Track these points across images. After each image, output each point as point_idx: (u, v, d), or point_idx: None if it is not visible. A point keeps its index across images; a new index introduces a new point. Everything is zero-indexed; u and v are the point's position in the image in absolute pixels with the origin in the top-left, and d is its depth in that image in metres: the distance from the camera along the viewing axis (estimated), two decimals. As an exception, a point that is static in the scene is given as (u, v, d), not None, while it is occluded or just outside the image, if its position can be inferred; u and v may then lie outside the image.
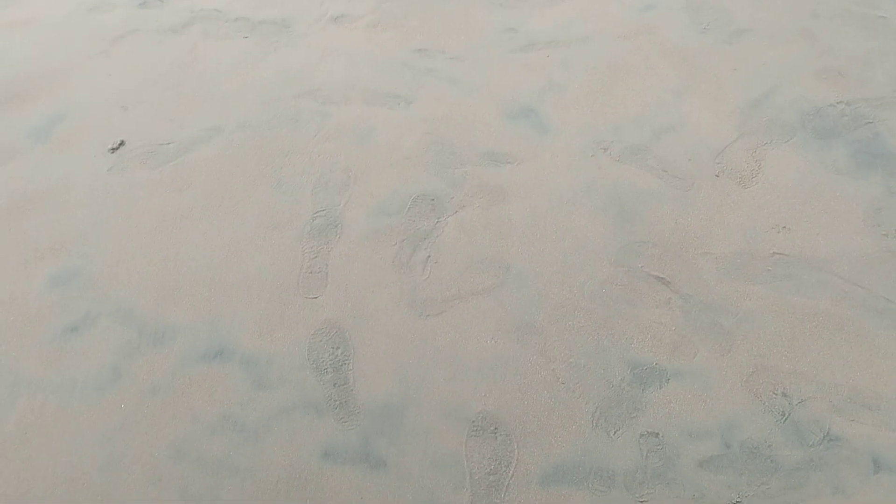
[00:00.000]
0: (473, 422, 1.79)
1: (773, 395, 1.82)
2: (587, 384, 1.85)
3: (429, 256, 2.09)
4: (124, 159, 2.34)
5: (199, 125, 2.44)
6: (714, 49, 2.66)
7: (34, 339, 1.94)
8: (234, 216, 2.19)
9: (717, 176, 2.28)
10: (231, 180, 2.28)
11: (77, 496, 1.69)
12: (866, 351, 1.89)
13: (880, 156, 2.32)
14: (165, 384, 1.86)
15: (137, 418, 1.80)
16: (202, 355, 1.90)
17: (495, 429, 1.78)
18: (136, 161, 2.34)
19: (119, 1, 2.85)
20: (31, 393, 1.85)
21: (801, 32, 2.72)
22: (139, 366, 1.89)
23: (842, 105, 2.47)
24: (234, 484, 1.70)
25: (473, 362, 1.88)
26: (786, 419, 1.78)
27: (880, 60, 2.62)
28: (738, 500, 1.68)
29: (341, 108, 2.49)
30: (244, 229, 2.15)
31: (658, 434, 1.77)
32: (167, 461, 1.73)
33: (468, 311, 1.97)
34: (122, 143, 2.38)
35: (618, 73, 2.60)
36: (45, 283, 2.05)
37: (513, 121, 2.45)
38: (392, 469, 1.73)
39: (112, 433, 1.78)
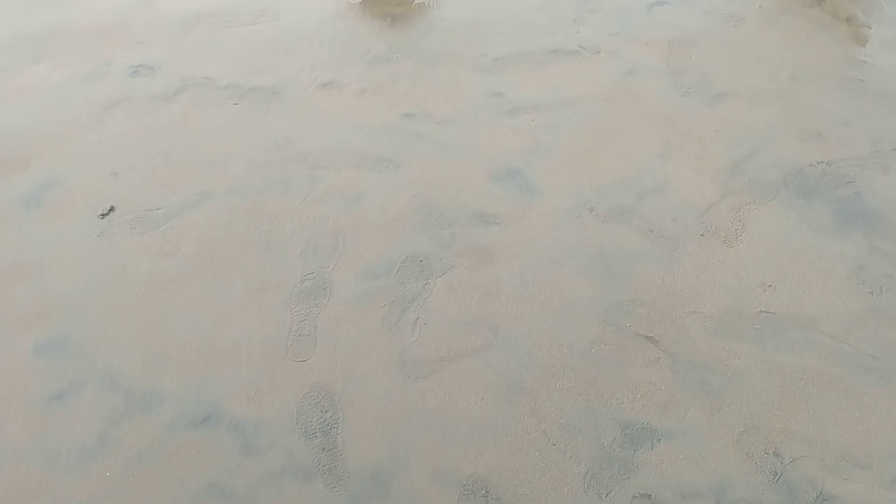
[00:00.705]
0: (464, 485, 1.80)
1: (765, 455, 1.84)
2: (578, 445, 1.87)
3: (418, 318, 2.12)
4: (114, 225, 2.39)
5: (189, 190, 2.49)
6: (696, 111, 2.76)
7: (19, 406, 1.95)
8: (223, 280, 2.22)
9: (703, 235, 2.34)
10: (220, 244, 2.33)
11: (60, 568, 1.68)
12: (856, 408, 1.92)
13: (862, 214, 2.39)
14: (152, 451, 1.86)
15: (123, 487, 1.80)
16: (189, 421, 1.91)
17: (486, 492, 1.79)
18: (126, 226, 2.38)
19: (112, 70, 2.93)
20: (14, 461, 1.85)
21: (780, 95, 2.82)
22: (125, 433, 1.89)
23: (823, 165, 2.55)
24: (220, 553, 1.70)
25: (463, 424, 1.90)
26: (778, 479, 1.80)
27: (859, 121, 2.72)
28: (733, 562, 1.69)
29: (330, 173, 2.56)
30: (233, 293, 2.19)
31: (651, 496, 1.78)
32: (153, 530, 1.73)
33: (458, 373, 2.00)
34: (111, 209, 2.43)
35: (602, 136, 2.69)
36: (32, 351, 2.07)
37: (500, 182, 2.52)
38: (382, 535, 1.73)
39: (97, 502, 1.78)
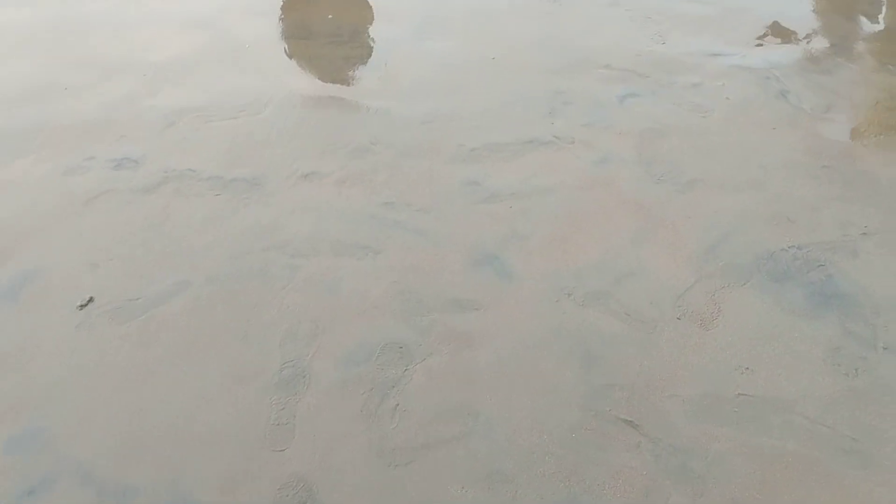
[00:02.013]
0: (444, 577, 1.78)
1: (748, 540, 1.84)
2: (560, 533, 1.86)
3: (397, 405, 2.14)
4: (92, 316, 2.41)
5: (168, 280, 2.53)
6: (668, 198, 2.86)
7: (-13, 503, 1.92)
8: (201, 370, 2.24)
9: (679, 319, 2.39)
10: (198, 334, 2.35)
11: None
12: (837, 492, 1.94)
13: (834, 297, 2.46)
14: (123, 547, 1.84)
15: (92, 585, 1.77)
16: (163, 515, 1.89)
17: (467, 584, 1.77)
18: (104, 317, 2.40)
19: (94, 164, 3.01)
20: (-20, 561, 1.82)
21: (750, 182, 2.94)
22: (97, 528, 1.87)
23: (793, 249, 2.64)
24: None
25: (443, 514, 1.89)
26: (762, 564, 1.80)
27: (827, 206, 2.83)
28: None
29: (310, 261, 2.61)
30: (210, 383, 2.20)
31: (634, 584, 1.77)
32: None
33: (438, 460, 2.00)
34: (90, 300, 2.46)
35: (578, 223, 2.77)
36: (4, 446, 2.05)
37: (478, 269, 2.58)
38: None
39: None
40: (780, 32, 3.93)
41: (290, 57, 3.72)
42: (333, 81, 3.55)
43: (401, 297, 2.47)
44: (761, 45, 3.78)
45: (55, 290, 2.50)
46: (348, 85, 3.51)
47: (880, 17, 4.09)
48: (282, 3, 4.19)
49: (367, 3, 4.17)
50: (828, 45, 3.80)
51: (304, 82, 3.51)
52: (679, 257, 2.61)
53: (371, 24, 3.99)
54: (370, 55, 3.73)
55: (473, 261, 2.61)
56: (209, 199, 2.86)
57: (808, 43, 3.84)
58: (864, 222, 2.74)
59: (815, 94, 3.40)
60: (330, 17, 4.12)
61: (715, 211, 2.80)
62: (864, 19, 4.05)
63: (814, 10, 4.12)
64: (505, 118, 3.29)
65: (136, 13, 4.00)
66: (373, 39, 3.84)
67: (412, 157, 3.09)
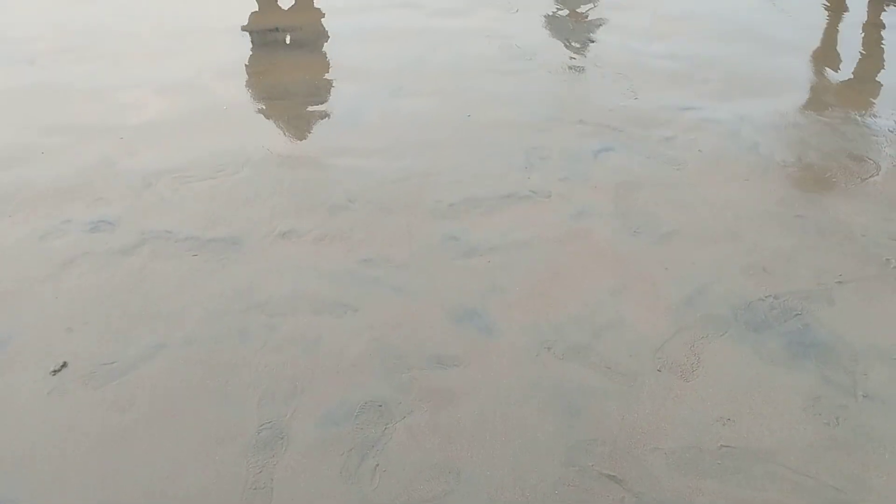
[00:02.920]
0: None
1: None
2: None
3: (377, 465, 2.12)
4: (65, 381, 2.39)
5: (144, 343, 2.52)
6: (645, 250, 2.91)
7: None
8: (177, 433, 2.21)
9: (659, 371, 2.41)
10: (175, 397, 2.33)
11: None
12: (823, 542, 1.93)
13: (812, 346, 2.50)
14: None
15: None
16: (137, 586, 1.85)
17: None
18: (78, 382, 2.38)
19: (70, 227, 3.01)
20: None
21: (725, 233, 3.00)
22: None
23: (770, 299, 2.68)
24: None
25: (426, 577, 1.87)
26: None
27: (802, 256, 2.88)
28: None
29: (288, 320, 2.61)
30: (187, 446, 2.17)
31: None
32: None
33: (419, 522, 1.98)
34: (64, 365, 2.44)
35: (556, 276, 2.80)
36: (-28, 516, 2.01)
37: (458, 324, 2.59)
38: None
39: None
40: (748, 85, 4.04)
41: (267, 117, 3.78)
42: (310, 140, 3.60)
43: (380, 355, 2.47)
44: (730, 98, 3.88)
45: (28, 355, 2.48)
46: (325, 143, 3.56)
47: (844, 68, 4.23)
48: (257, 65, 4.26)
49: (342, 62, 4.26)
50: (796, 97, 3.91)
51: (281, 142, 3.56)
52: (657, 309, 2.64)
53: (346, 83, 4.06)
54: (347, 114, 3.79)
55: (453, 316, 2.62)
56: (186, 260, 2.86)
57: (776, 95, 3.95)
58: (839, 270, 2.79)
59: (785, 146, 3.49)
60: (307, 77, 4.20)
61: (692, 262, 2.85)
62: (830, 71, 4.18)
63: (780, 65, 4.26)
64: (482, 173, 3.35)
65: (113, 77, 4.05)
66: (349, 98, 3.91)
67: (390, 214, 3.12)
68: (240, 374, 2.40)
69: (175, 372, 2.41)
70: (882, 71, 4.25)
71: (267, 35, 4.58)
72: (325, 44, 4.49)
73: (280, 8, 4.90)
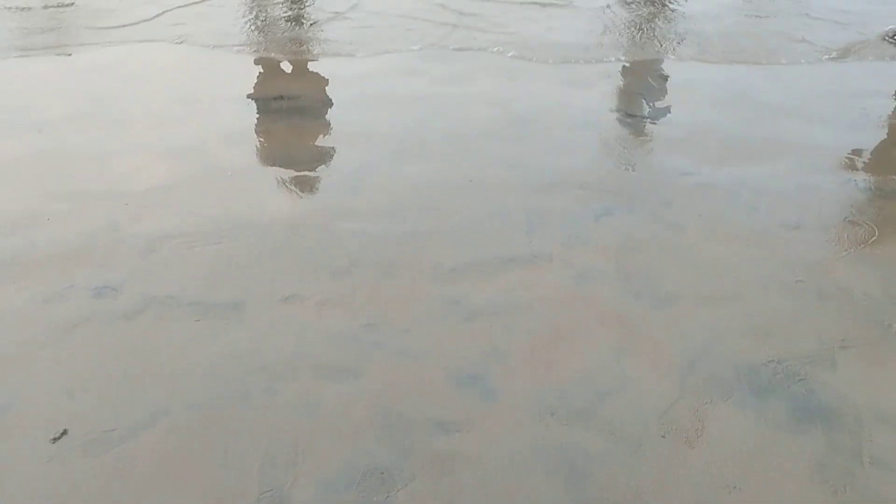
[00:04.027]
0: None
1: None
2: None
3: (379, 534, 2.11)
4: (65, 449, 2.38)
5: (146, 409, 2.52)
6: (647, 313, 2.93)
7: None
8: (177, 501, 2.20)
9: (664, 436, 2.40)
10: (175, 463, 2.32)
11: None
12: None
13: (817, 411, 2.50)
14: None
15: None
16: None
17: None
18: (78, 450, 2.38)
19: (74, 292, 3.04)
20: None
21: (726, 296, 3.02)
22: None
23: (773, 363, 2.69)
24: None
25: None
26: None
27: (804, 320, 2.90)
28: None
29: (290, 384, 2.62)
30: (187, 515, 2.16)
31: None
32: None
33: (422, 593, 1.96)
34: (64, 433, 2.44)
35: (559, 339, 2.81)
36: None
37: (460, 389, 2.59)
38: None
39: None
40: (745, 150, 4.12)
41: (271, 182, 3.84)
42: (314, 205, 3.65)
43: (382, 420, 2.47)
44: (728, 163, 3.95)
45: (28, 421, 2.48)
46: (328, 208, 3.61)
47: (841, 133, 4.30)
48: (261, 132, 4.35)
49: (345, 128, 4.34)
50: (793, 162, 3.98)
51: (284, 206, 3.61)
52: (661, 372, 2.64)
53: (350, 148, 4.13)
54: (350, 178, 3.85)
55: (455, 380, 2.62)
56: (189, 325, 2.88)
57: (773, 160, 4.02)
58: (842, 335, 2.80)
59: (784, 210, 3.54)
60: (310, 143, 4.28)
61: (694, 325, 2.86)
62: (826, 135, 4.26)
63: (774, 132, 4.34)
64: (483, 237, 3.39)
65: (118, 144, 4.13)
66: (352, 163, 3.98)
67: (392, 278, 3.15)
68: (241, 439, 2.40)
69: (176, 438, 2.41)
70: (880, 136, 4.33)
71: (271, 102, 4.68)
72: (329, 110, 4.60)
73: (284, 72, 5.02)
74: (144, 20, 5.84)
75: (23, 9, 6.21)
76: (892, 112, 4.54)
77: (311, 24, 5.75)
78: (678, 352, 2.73)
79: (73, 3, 6.19)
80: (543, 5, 6.25)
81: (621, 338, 2.80)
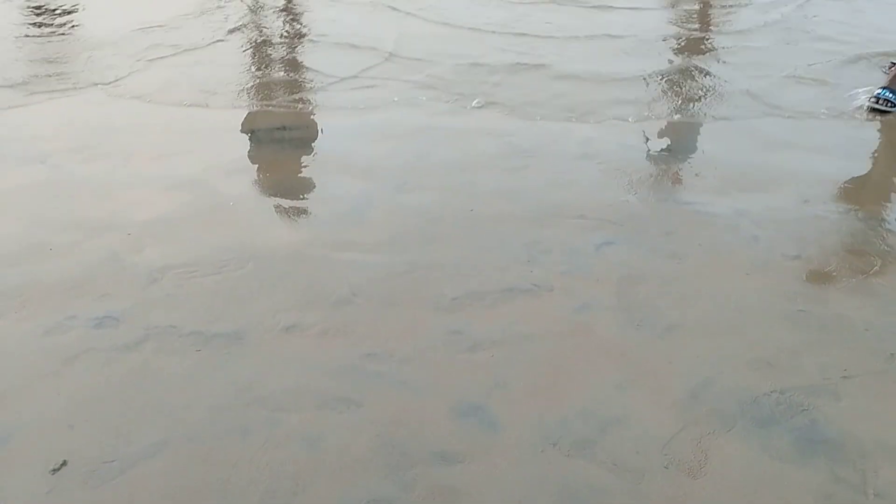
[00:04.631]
0: None
1: None
2: None
3: (380, 568, 2.09)
4: (65, 480, 2.37)
5: (146, 440, 2.51)
6: (649, 344, 2.93)
7: None
8: (177, 534, 2.19)
9: (667, 468, 2.39)
10: (175, 495, 2.31)
11: None
12: None
13: (820, 442, 2.49)
14: None
15: None
16: None
17: None
18: (78, 482, 2.37)
19: (75, 323, 3.04)
20: None
21: (728, 327, 3.02)
22: None
23: (776, 394, 2.68)
24: None
25: None
26: None
27: (806, 350, 2.90)
28: None
29: (291, 416, 2.61)
30: (186, 548, 2.14)
31: None
32: None
33: None
34: (64, 464, 2.43)
35: (561, 370, 2.81)
36: None
37: (462, 420, 2.59)
38: None
39: None
40: (744, 181, 4.14)
41: (273, 213, 3.86)
42: (314, 235, 3.67)
43: (384, 451, 2.46)
44: (727, 193, 3.97)
45: (28, 453, 2.47)
46: (329, 238, 3.63)
47: (841, 163, 4.33)
48: (263, 163, 4.38)
49: (346, 159, 4.38)
50: (792, 192, 4.00)
51: (285, 237, 3.63)
52: (663, 403, 2.64)
53: (351, 179, 4.16)
54: (351, 209, 3.87)
55: (457, 411, 2.62)
56: (189, 356, 2.88)
57: (773, 190, 4.04)
58: (844, 365, 2.80)
59: (785, 240, 3.55)
60: (312, 174, 4.31)
61: (696, 356, 2.86)
62: (825, 165, 4.28)
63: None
64: (484, 267, 3.40)
65: (120, 176, 4.16)
66: (353, 194, 4.00)
67: (393, 308, 3.16)
68: (241, 471, 2.39)
69: (176, 470, 2.40)
70: (880, 166, 4.36)
71: (273, 133, 4.72)
72: (330, 142, 4.63)
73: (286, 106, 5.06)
74: (149, 59, 5.89)
75: (36, 38, 6.27)
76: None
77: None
78: (680, 382, 2.73)
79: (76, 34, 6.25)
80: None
81: (623, 368, 2.80)
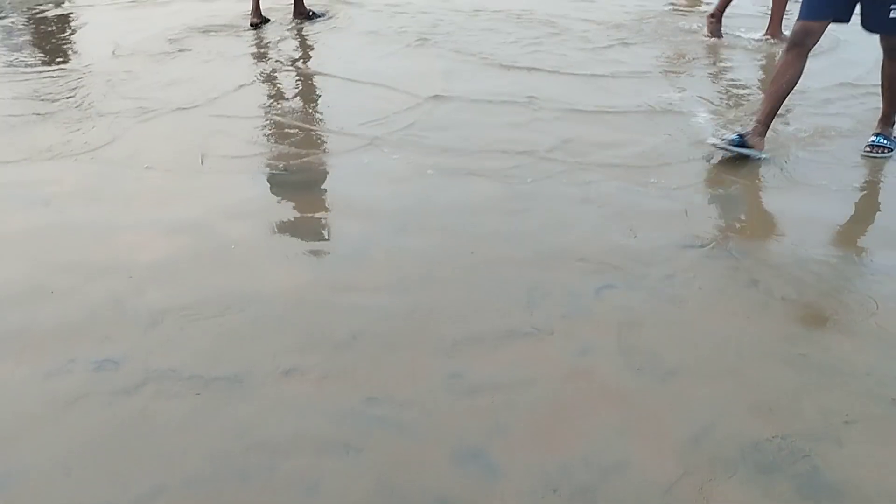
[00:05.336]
0: None
1: None
2: None
3: None
4: (61, 526, 2.36)
5: (144, 485, 2.50)
6: (650, 389, 2.92)
7: None
8: (173, 582, 2.17)
9: (668, 514, 2.38)
10: (172, 543, 2.30)
11: None
12: None
13: (823, 489, 2.47)
14: None
15: None
16: None
17: None
18: (74, 527, 2.35)
19: (75, 366, 3.05)
20: None
21: (728, 371, 3.02)
22: None
23: (778, 439, 2.67)
24: None
25: None
26: None
27: (807, 395, 2.89)
28: None
29: (290, 461, 2.61)
30: None
31: None
32: None
33: None
34: (61, 508, 2.41)
35: (561, 414, 2.81)
36: None
37: (462, 465, 2.58)
38: None
39: None
40: (743, 224, 4.17)
41: (274, 255, 3.88)
42: (316, 278, 3.68)
43: (383, 497, 2.45)
44: (727, 236, 4.00)
45: (25, 499, 2.46)
46: (330, 281, 3.64)
47: (841, 205, 4.36)
48: (265, 205, 4.42)
49: (348, 202, 4.41)
50: (791, 236, 4.03)
51: (287, 279, 3.64)
52: (664, 449, 2.63)
53: (352, 221, 4.19)
54: (352, 251, 3.90)
55: (457, 457, 2.61)
56: (189, 400, 2.88)
57: (771, 234, 4.07)
58: (846, 410, 2.80)
59: (784, 284, 3.56)
60: (313, 216, 4.35)
61: (697, 401, 2.86)
62: (825, 208, 4.31)
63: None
64: (485, 310, 3.41)
65: (123, 219, 4.19)
66: (354, 236, 4.03)
67: (394, 351, 3.16)
68: (239, 518, 2.37)
69: (173, 516, 2.38)
70: (878, 210, 4.39)
71: (275, 176, 4.77)
72: (332, 184, 4.67)
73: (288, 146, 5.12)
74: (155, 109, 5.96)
75: (42, 73, 6.36)
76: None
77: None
78: (681, 428, 2.72)
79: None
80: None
81: (623, 414, 2.79)
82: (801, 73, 4.66)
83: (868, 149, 4.84)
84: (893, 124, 4.92)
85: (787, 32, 6.53)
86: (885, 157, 4.80)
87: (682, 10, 8.37)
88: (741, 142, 4.69)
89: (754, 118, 4.88)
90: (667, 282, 3.60)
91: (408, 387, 2.95)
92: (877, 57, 4.85)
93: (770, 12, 7.17)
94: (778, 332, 3.25)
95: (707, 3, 8.22)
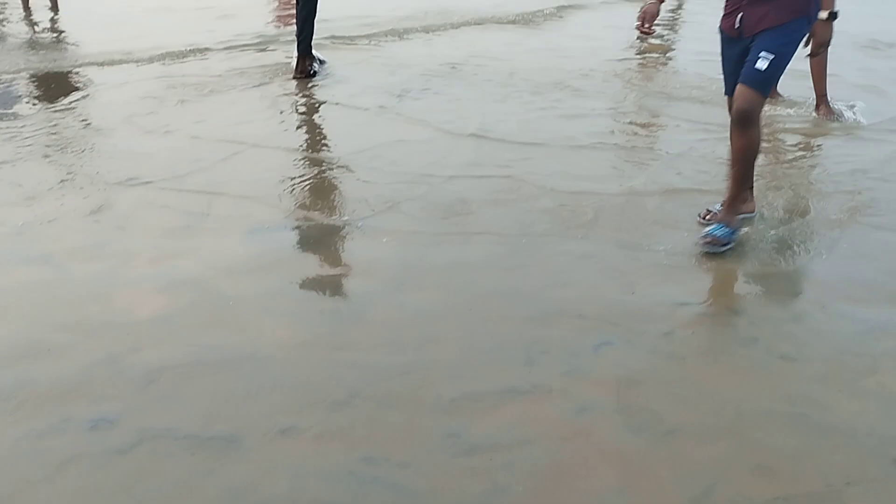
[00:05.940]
0: None
1: None
2: None
3: None
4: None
5: (136, 548, 2.47)
6: (648, 448, 2.90)
7: None
8: None
9: (669, 580, 2.34)
10: None
11: None
12: None
13: (826, 551, 2.44)
14: None
15: None
16: None
17: None
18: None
19: (69, 426, 3.03)
20: None
21: (728, 431, 3.00)
22: None
23: (779, 501, 2.65)
24: None
25: None
26: None
27: (808, 455, 2.87)
28: None
29: (285, 524, 2.57)
30: None
31: None
32: None
33: None
34: (50, 573, 2.38)
35: (560, 475, 2.78)
36: None
37: (459, 529, 2.54)
38: None
39: None
40: (742, 280, 4.19)
41: (272, 313, 3.88)
42: (313, 336, 3.68)
43: (379, 562, 2.41)
44: (725, 292, 4.01)
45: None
46: (328, 339, 3.64)
47: (837, 262, 4.38)
48: (263, 262, 4.43)
49: (346, 259, 4.44)
50: (790, 292, 4.04)
51: (284, 337, 3.64)
52: (664, 511, 2.60)
53: (350, 279, 4.21)
54: (350, 310, 3.91)
55: (454, 520, 2.58)
56: (183, 460, 2.86)
57: (770, 290, 4.08)
58: (847, 471, 2.77)
59: (784, 342, 3.57)
60: (312, 273, 4.37)
61: (697, 461, 2.84)
62: (819, 264, 4.33)
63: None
64: (483, 368, 3.40)
65: (123, 275, 4.20)
66: (352, 294, 4.05)
67: (391, 410, 3.15)
68: (232, 584, 2.33)
69: (165, 581, 2.35)
70: (875, 264, 4.40)
71: (273, 233, 4.79)
72: (330, 241, 4.70)
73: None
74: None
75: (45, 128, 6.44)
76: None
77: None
78: (681, 489, 2.69)
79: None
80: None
81: (623, 474, 2.77)
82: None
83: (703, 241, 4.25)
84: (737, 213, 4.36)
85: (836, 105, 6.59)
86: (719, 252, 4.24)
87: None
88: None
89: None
90: (665, 339, 3.60)
91: (405, 446, 2.93)
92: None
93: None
94: (778, 391, 3.24)
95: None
